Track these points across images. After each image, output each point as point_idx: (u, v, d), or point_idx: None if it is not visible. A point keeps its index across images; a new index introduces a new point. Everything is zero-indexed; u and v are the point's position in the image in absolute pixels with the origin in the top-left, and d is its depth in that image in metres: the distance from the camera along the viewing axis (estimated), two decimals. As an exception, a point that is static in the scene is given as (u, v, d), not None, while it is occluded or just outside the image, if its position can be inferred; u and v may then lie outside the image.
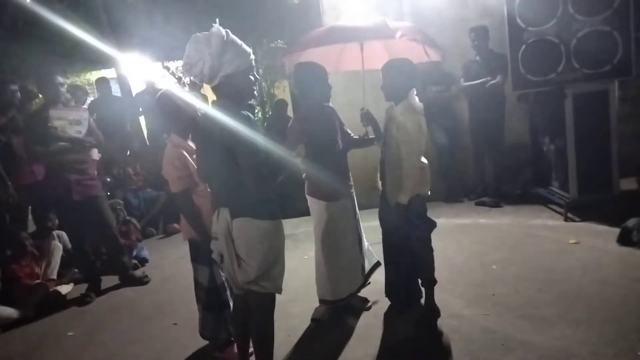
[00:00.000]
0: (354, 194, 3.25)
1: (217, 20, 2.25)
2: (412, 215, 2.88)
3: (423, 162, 2.90)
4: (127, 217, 5.43)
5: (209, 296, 2.85)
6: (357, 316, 3.22)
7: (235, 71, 2.25)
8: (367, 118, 3.14)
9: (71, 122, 4.05)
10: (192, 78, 2.29)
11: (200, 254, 2.76)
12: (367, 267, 3.31)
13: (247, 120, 2.20)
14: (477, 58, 5.18)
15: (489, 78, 5.06)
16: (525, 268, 3.62)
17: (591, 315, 2.86)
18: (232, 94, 2.30)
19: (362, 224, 3.32)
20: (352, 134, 3.26)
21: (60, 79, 4.09)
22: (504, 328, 2.85)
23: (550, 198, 4.88)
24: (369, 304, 3.31)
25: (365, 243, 3.33)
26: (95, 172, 4.37)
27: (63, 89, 4.10)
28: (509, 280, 3.46)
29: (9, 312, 3.81)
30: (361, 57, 3.34)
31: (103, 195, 4.39)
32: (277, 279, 2.41)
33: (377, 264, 3.36)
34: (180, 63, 8.85)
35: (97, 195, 4.23)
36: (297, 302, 3.47)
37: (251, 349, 2.60)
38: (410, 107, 2.85)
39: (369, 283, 3.35)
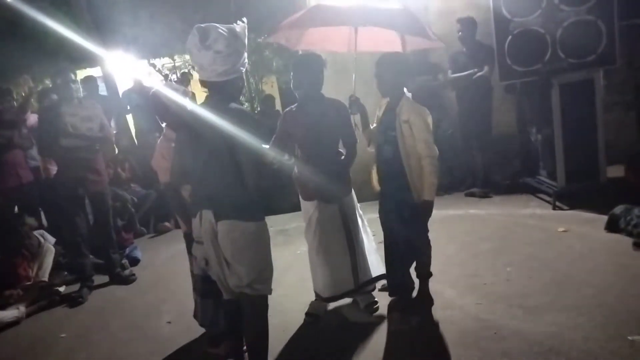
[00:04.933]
0: (350, 199, 3.10)
1: (245, 19, 2.30)
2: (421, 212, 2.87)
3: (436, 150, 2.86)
4: (133, 211, 5.49)
5: (205, 284, 2.84)
6: (352, 310, 3.23)
7: (244, 69, 2.33)
8: (355, 105, 3.04)
9: (83, 118, 4.09)
10: (211, 67, 2.22)
11: (192, 244, 2.76)
12: (363, 274, 3.11)
13: (249, 116, 2.28)
14: (464, 49, 5.20)
15: (475, 70, 5.09)
16: (516, 257, 3.66)
17: (581, 302, 2.91)
18: (230, 91, 2.31)
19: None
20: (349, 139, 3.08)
21: (72, 76, 4.16)
22: (497, 317, 2.89)
23: (539, 187, 4.93)
24: (376, 306, 3.18)
25: (367, 252, 3.15)
26: (103, 168, 4.42)
27: (75, 86, 4.17)
28: (500, 269, 3.50)
29: (1, 315, 3.77)
30: (354, 40, 3.18)
31: (108, 191, 4.46)
32: (268, 281, 2.40)
33: (380, 277, 3.19)
34: (166, 60, 8.82)
35: (102, 191, 4.31)
36: (291, 297, 3.47)
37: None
38: (414, 103, 2.83)
39: (376, 302, 3.19)
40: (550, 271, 3.35)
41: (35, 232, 4.53)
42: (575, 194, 4.53)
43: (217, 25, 2.19)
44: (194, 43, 2.18)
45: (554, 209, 4.57)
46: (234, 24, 2.25)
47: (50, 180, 4.66)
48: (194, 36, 2.18)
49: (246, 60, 2.33)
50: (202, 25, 2.20)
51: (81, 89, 7.57)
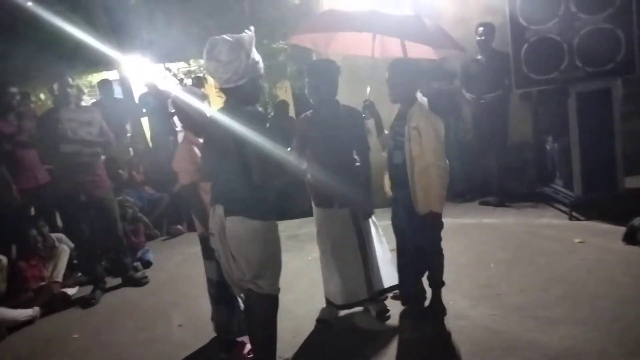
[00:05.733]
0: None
1: (252, 28, 2.38)
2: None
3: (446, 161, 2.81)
4: (139, 215, 5.47)
5: (219, 289, 2.88)
6: (363, 317, 3.21)
7: (256, 75, 2.41)
8: (369, 110, 3.03)
9: (82, 123, 4.09)
10: (217, 76, 2.35)
11: (208, 248, 2.77)
12: (376, 283, 3.09)
13: (259, 115, 2.41)
14: (479, 57, 5.16)
15: (485, 97, 5.05)
16: (531, 268, 3.61)
17: (597, 315, 2.86)
18: (245, 97, 2.40)
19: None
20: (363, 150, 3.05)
21: (70, 80, 4.15)
22: (510, 328, 2.85)
23: (555, 197, 4.86)
24: (388, 314, 3.16)
25: (380, 261, 3.12)
26: (104, 173, 4.40)
27: (72, 91, 4.15)
28: (514, 280, 3.45)
29: (15, 314, 3.81)
30: (380, 45, 3.17)
31: (111, 196, 4.43)
32: (272, 280, 2.43)
33: (394, 287, 3.16)
34: (181, 64, 8.89)
35: (104, 196, 4.28)
36: (302, 303, 3.47)
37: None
38: (426, 109, 2.80)
39: (388, 310, 3.18)
40: (566, 283, 3.30)
41: (53, 235, 4.57)
42: (592, 205, 4.45)
43: (227, 36, 2.31)
44: (204, 54, 2.34)
45: (570, 219, 4.50)
46: (243, 33, 2.35)
47: (42, 188, 4.65)
48: (206, 47, 2.33)
49: (259, 66, 2.41)
50: (216, 37, 2.32)
51: (97, 92, 7.70)
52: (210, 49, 2.31)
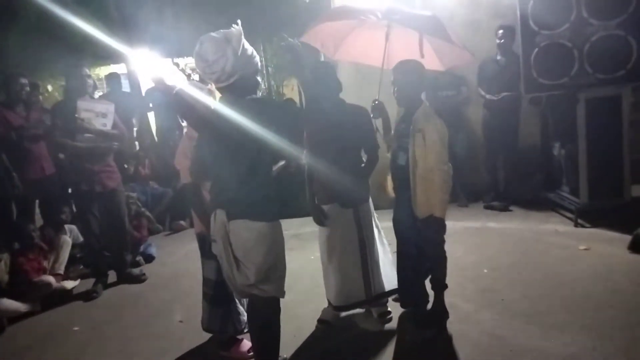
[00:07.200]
0: (366, 206, 3.03)
1: (239, 22, 2.25)
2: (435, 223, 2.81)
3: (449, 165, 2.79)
4: (142, 209, 5.47)
5: (217, 290, 2.83)
6: (365, 319, 3.18)
7: (249, 71, 2.29)
8: (378, 110, 3.02)
9: (97, 114, 4.10)
10: (206, 76, 2.28)
11: (207, 247, 2.73)
12: (376, 285, 3.03)
13: (258, 100, 2.33)
14: (499, 57, 5.12)
15: (504, 93, 5.03)
16: (535, 273, 3.59)
17: (601, 322, 2.84)
18: (237, 93, 2.29)
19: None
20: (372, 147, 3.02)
21: (87, 71, 4.14)
22: (513, 333, 2.83)
23: (561, 203, 4.83)
24: (389, 316, 3.14)
25: (381, 264, 3.08)
26: (115, 165, 4.41)
27: (90, 81, 4.15)
28: (518, 285, 3.43)
29: (16, 305, 3.81)
30: (383, 50, 3.16)
31: (122, 189, 4.44)
32: (278, 282, 2.37)
33: (396, 291, 3.12)
34: (190, 60, 8.89)
35: (116, 188, 4.29)
36: (303, 303, 3.45)
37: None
38: (432, 113, 2.78)
39: (389, 313, 3.18)
40: (570, 290, 3.28)
41: (66, 226, 4.57)
42: (598, 212, 4.43)
43: (214, 33, 2.20)
44: (194, 53, 2.24)
45: (575, 226, 4.48)
46: (231, 28, 2.24)
47: (47, 178, 4.64)
48: (195, 46, 2.23)
49: (254, 61, 2.30)
50: (205, 35, 2.22)
51: (105, 85, 7.71)
52: (198, 48, 2.20)
